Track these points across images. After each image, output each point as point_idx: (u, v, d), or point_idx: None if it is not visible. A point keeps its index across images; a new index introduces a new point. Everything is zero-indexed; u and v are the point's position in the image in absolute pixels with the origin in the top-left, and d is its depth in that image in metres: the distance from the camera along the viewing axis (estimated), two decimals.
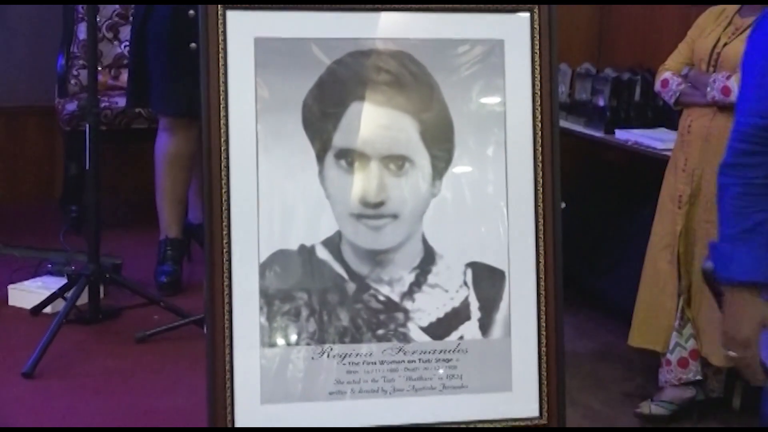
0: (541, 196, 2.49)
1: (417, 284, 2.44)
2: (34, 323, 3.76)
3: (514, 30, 2.50)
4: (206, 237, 2.38)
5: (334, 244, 2.43)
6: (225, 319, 2.37)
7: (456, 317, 2.46)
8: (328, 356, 2.41)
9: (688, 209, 3.32)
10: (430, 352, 2.45)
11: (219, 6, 2.38)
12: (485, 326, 2.47)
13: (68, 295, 3.70)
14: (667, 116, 3.94)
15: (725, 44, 3.28)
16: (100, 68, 5.02)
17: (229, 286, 2.37)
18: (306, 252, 2.42)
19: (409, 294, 2.44)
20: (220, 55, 2.38)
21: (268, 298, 2.40)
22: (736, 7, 3.36)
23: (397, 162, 2.45)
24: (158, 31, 4.03)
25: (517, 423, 2.47)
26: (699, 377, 3.36)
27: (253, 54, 2.41)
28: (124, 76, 4.74)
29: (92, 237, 3.71)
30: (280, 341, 2.40)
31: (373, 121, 2.44)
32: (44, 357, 3.37)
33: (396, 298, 2.44)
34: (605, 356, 3.83)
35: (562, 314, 2.49)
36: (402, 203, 2.45)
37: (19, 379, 3.31)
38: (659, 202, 3.44)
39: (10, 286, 3.98)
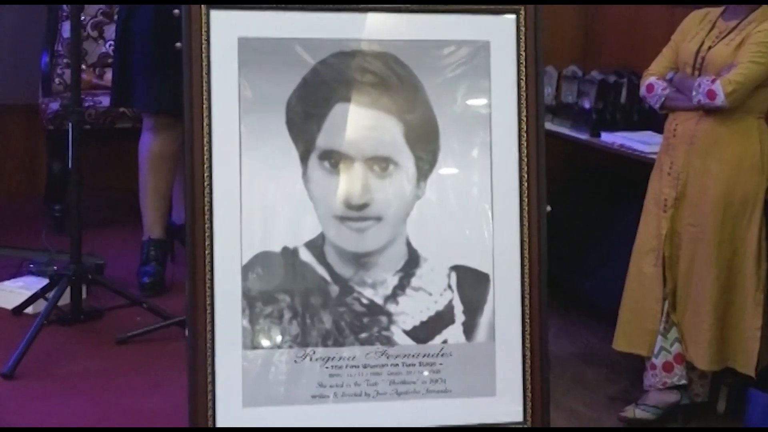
0: (526, 199, 2.47)
1: (401, 287, 2.43)
2: (15, 324, 3.73)
3: (500, 32, 2.49)
4: (188, 238, 2.36)
5: (317, 246, 2.41)
6: (207, 321, 2.35)
7: (440, 321, 2.44)
8: (310, 359, 2.39)
9: (673, 213, 3.31)
10: (413, 356, 2.43)
11: (202, 5, 2.36)
12: (469, 330, 2.45)
13: (50, 295, 3.67)
14: (653, 119, 3.93)
15: (709, 48, 3.27)
16: (84, 67, 5.00)
17: (211, 287, 2.35)
18: (289, 254, 2.40)
19: (393, 297, 2.42)
20: (204, 54, 2.36)
21: (250, 300, 2.38)
22: (719, 10, 3.36)
23: (382, 164, 2.43)
24: (142, 29, 4.01)
25: (501, 427, 2.46)
26: (684, 381, 3.35)
27: (236, 54, 2.38)
28: (109, 75, 4.72)
29: (74, 237, 3.68)
30: (263, 343, 2.38)
31: (357, 122, 2.43)
32: (25, 358, 3.34)
33: (379, 301, 2.42)
34: (590, 359, 3.83)
35: (547, 318, 2.48)
36: (386, 205, 2.43)
37: None
38: (644, 205, 3.44)
39: None
